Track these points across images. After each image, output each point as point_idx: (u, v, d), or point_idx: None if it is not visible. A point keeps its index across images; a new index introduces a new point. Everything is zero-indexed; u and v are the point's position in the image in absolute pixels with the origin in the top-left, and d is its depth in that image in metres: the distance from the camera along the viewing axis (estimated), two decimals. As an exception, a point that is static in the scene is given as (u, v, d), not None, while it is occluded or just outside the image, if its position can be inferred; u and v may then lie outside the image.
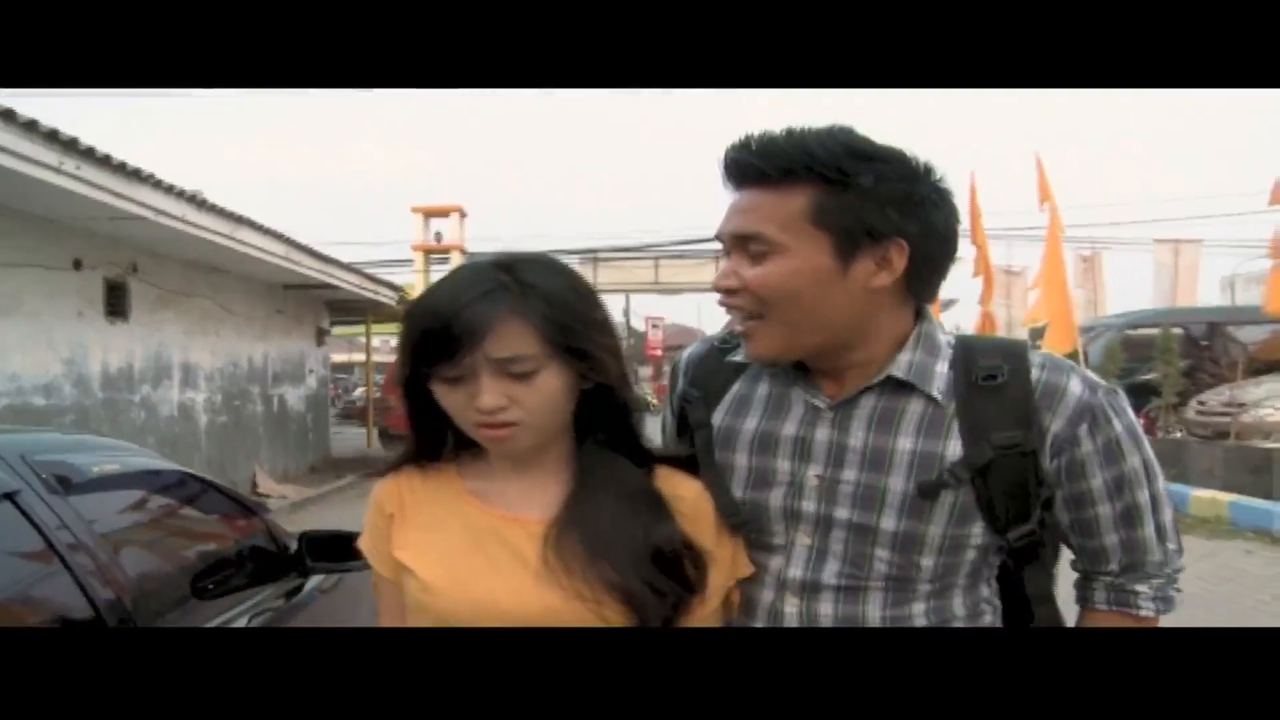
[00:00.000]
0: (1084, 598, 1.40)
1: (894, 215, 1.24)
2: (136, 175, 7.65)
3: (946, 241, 1.30)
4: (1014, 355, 1.31)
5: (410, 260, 24.69)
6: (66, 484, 2.06)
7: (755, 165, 1.26)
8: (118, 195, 7.53)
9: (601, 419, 1.32)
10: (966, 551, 1.31)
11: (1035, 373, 1.29)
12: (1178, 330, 13.95)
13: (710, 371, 1.47)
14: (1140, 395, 13.14)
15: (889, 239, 1.25)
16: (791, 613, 1.32)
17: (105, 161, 7.14)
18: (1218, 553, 7.61)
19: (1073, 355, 12.16)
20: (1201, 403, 12.12)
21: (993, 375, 1.29)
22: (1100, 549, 1.34)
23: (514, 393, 1.20)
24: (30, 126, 6.17)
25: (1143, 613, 1.35)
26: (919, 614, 1.31)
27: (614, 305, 37.85)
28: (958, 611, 1.33)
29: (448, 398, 1.24)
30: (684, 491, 1.33)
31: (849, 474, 1.30)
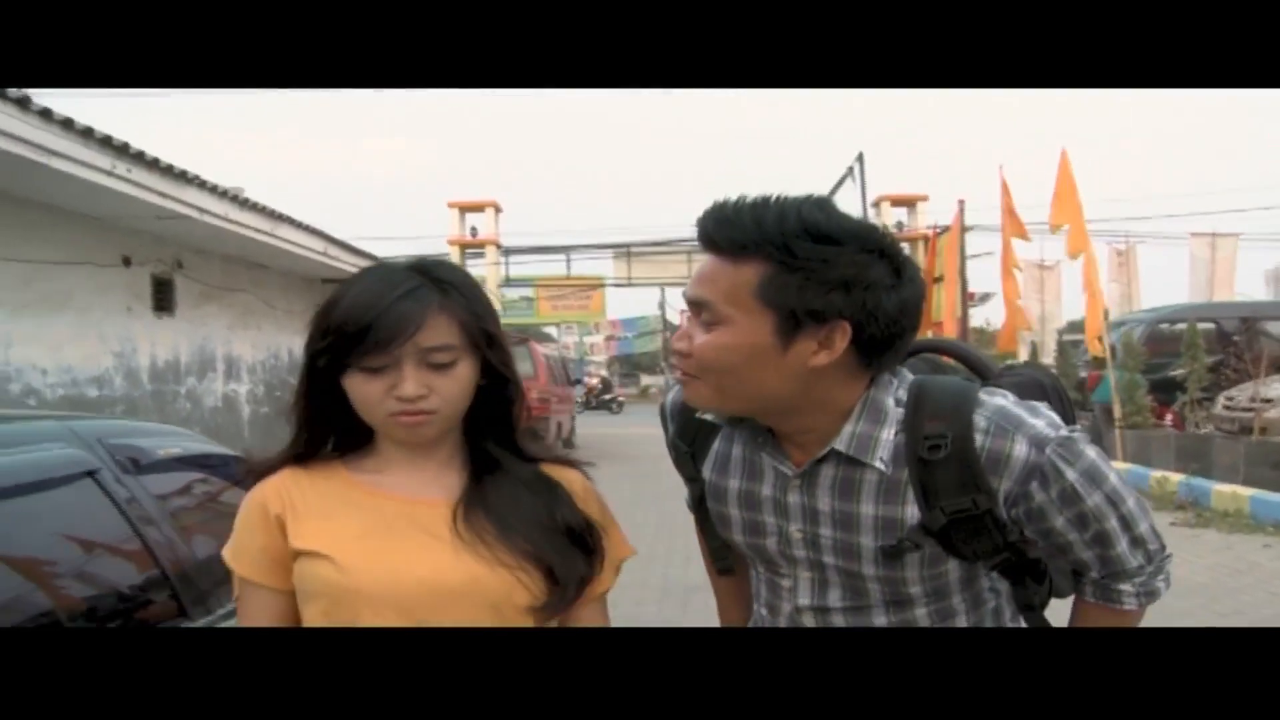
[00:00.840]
0: (1078, 589, 1.47)
1: (838, 299, 1.25)
2: (183, 177, 7.99)
3: (897, 322, 1.29)
4: (958, 420, 1.31)
5: (446, 254, 25.04)
6: (137, 464, 2.32)
7: (711, 237, 1.29)
8: (165, 196, 7.86)
9: (490, 416, 1.41)
10: (950, 575, 1.40)
11: (979, 439, 1.30)
12: (1209, 325, 13.94)
13: (691, 424, 1.53)
14: (1168, 390, 13.20)
15: (832, 320, 1.26)
16: (809, 624, 1.46)
17: (154, 164, 7.47)
18: (1234, 546, 7.70)
19: (1099, 358, 12.32)
20: (1230, 398, 12.15)
21: (936, 446, 1.31)
22: (1080, 562, 1.40)
23: (432, 382, 1.30)
24: (87, 133, 6.49)
25: (1125, 606, 1.41)
26: (921, 616, 1.42)
27: (649, 299, 37.83)
28: (958, 606, 1.43)
29: (364, 388, 1.30)
30: (570, 477, 1.45)
31: (825, 531, 1.39)
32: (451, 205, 25.12)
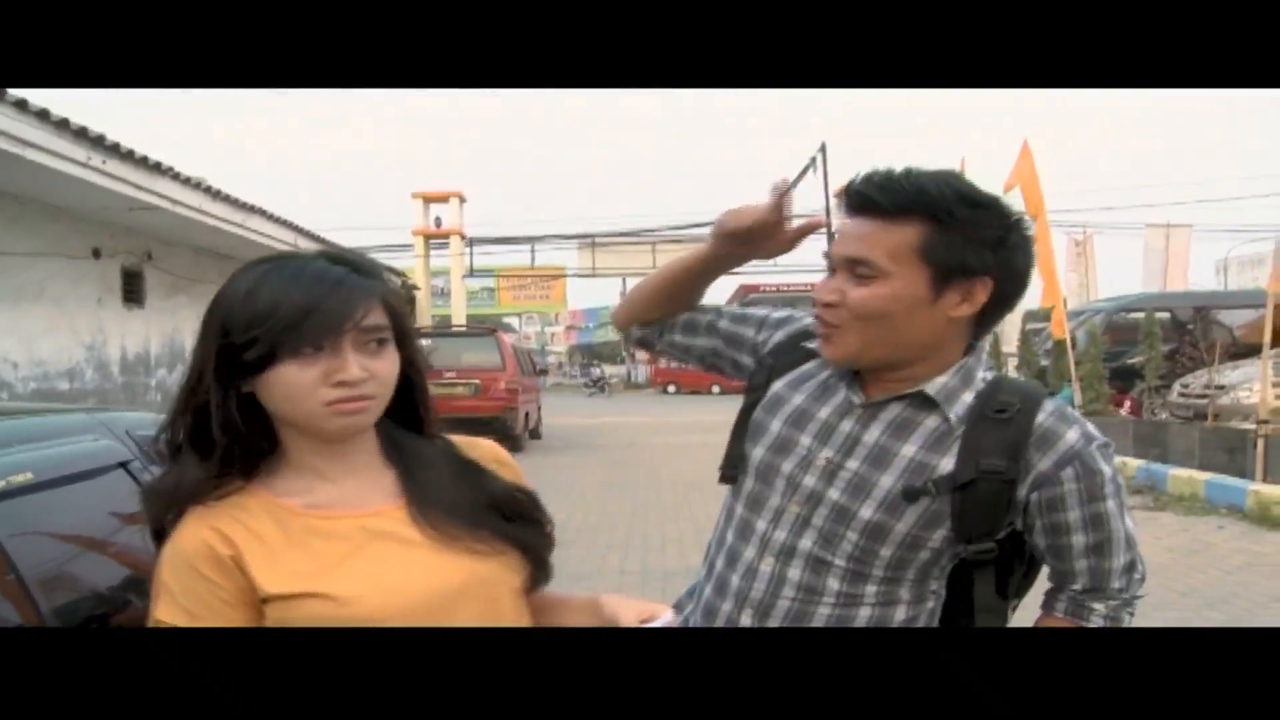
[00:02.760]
0: (1047, 604, 1.55)
1: (988, 256, 1.40)
2: (158, 168, 7.99)
3: (1022, 283, 1.47)
4: (1030, 398, 1.46)
5: (410, 245, 24.97)
6: (161, 455, 2.41)
7: (875, 199, 1.41)
8: (138, 187, 7.85)
9: (398, 404, 1.34)
10: (922, 552, 1.47)
11: (1041, 416, 1.44)
12: (1164, 314, 14.29)
13: (789, 347, 1.66)
14: (1126, 379, 13.53)
15: (978, 276, 1.41)
16: (765, 571, 1.52)
17: (129, 156, 7.46)
18: (1190, 528, 7.96)
19: (1061, 342, 12.52)
20: (1185, 385, 12.49)
21: (1003, 410, 1.44)
22: (1069, 571, 1.49)
23: (370, 365, 1.23)
24: (62, 125, 6.48)
25: (1091, 624, 1.49)
26: (869, 594, 1.49)
27: (611, 289, 38.19)
28: (904, 596, 1.50)
29: (297, 377, 1.20)
30: (481, 447, 1.44)
31: (852, 463, 1.48)
32: (416, 196, 25.07)
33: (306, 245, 12.46)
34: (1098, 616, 1.49)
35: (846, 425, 1.51)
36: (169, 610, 1.21)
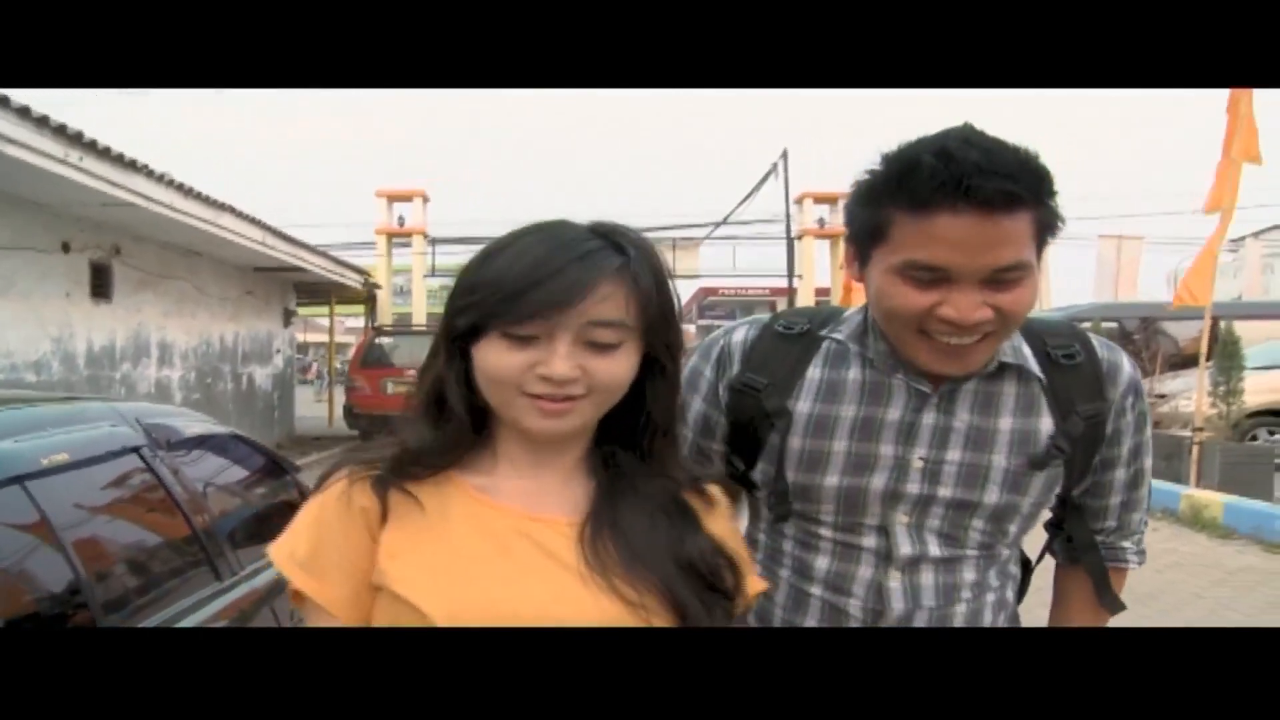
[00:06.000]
0: (1070, 558, 1.54)
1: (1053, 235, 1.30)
2: (132, 165, 8.10)
3: None
4: (1079, 337, 1.44)
5: (373, 243, 25.00)
6: (168, 443, 2.62)
7: (1013, 191, 1.19)
8: (113, 184, 7.97)
9: (628, 418, 1.18)
10: (1037, 518, 1.45)
11: (1100, 350, 1.42)
12: (1112, 324, 14.74)
13: (771, 358, 1.45)
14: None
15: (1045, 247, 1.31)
16: (895, 587, 1.38)
17: (105, 153, 7.59)
18: (1127, 529, 8.34)
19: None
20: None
21: (1070, 355, 1.41)
22: (1104, 508, 1.49)
23: (589, 364, 1.08)
24: (42, 121, 6.62)
25: (1131, 564, 1.53)
26: (993, 577, 1.44)
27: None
28: (1011, 570, 1.48)
29: (502, 358, 1.08)
30: (713, 499, 1.23)
31: (953, 454, 1.37)
32: (380, 194, 25.09)
33: (275, 243, 12.57)
34: (1132, 554, 1.53)
35: (928, 418, 1.38)
36: (288, 540, 1.14)
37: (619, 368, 1.11)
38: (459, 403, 1.13)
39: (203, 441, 2.99)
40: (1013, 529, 1.43)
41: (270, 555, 1.14)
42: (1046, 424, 1.38)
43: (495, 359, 1.08)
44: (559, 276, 1.06)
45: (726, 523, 1.24)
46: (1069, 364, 1.40)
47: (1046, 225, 1.26)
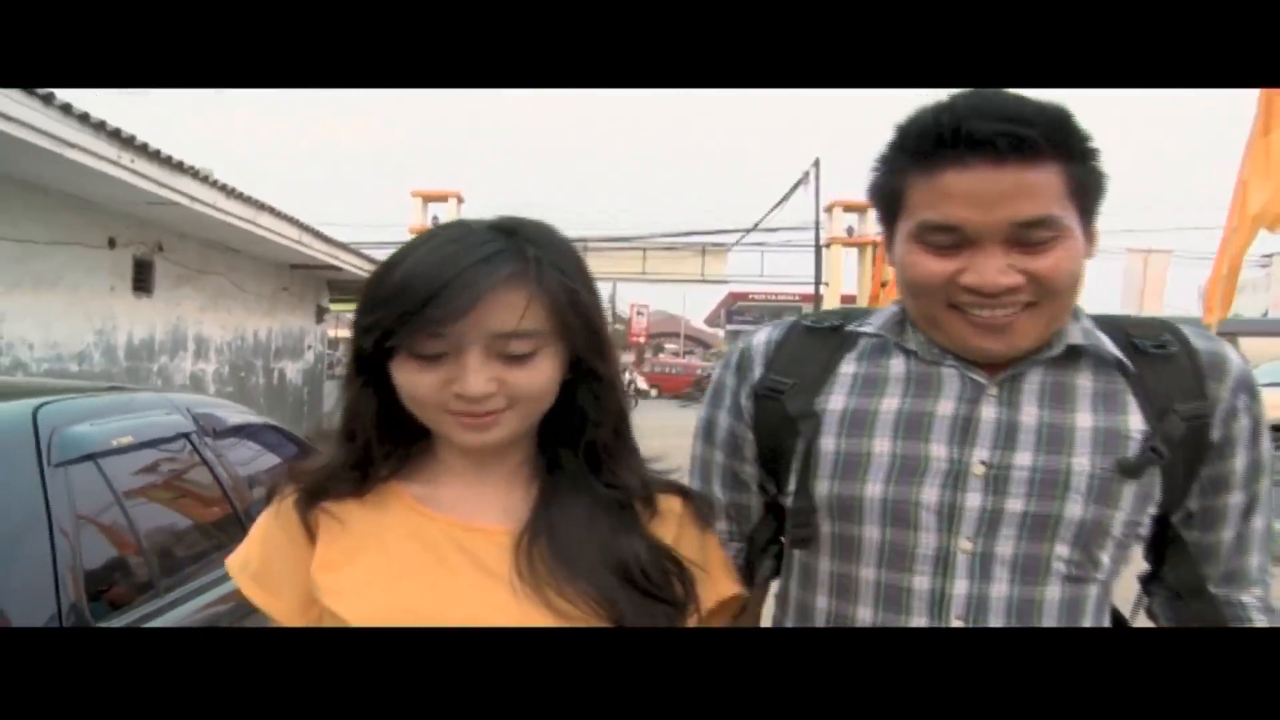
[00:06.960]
0: (1175, 615, 1.24)
1: (1104, 188, 1.14)
2: (179, 167, 8.50)
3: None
4: (1168, 326, 1.21)
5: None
6: (214, 430, 2.92)
7: (1021, 135, 1.05)
8: (160, 184, 8.35)
9: (569, 420, 1.13)
10: (1130, 547, 1.17)
11: (1195, 340, 1.18)
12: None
13: (799, 357, 1.27)
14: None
15: (1094, 216, 1.14)
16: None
17: (155, 155, 7.98)
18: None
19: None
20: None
21: (1162, 345, 1.17)
22: (1214, 546, 1.20)
23: (505, 376, 1.03)
24: (99, 126, 7.01)
25: (1256, 623, 1.20)
26: (1091, 598, 1.15)
27: (602, 292, 38.54)
28: (1104, 622, 1.19)
29: (415, 378, 1.04)
30: (667, 504, 1.17)
31: (1023, 457, 1.13)
32: (415, 194, 25.40)
33: (310, 241, 12.95)
34: (1257, 612, 1.21)
35: (988, 412, 1.16)
36: (240, 554, 1.16)
37: (537, 377, 1.06)
38: (366, 429, 1.12)
39: (243, 430, 3.29)
40: (1104, 557, 1.14)
41: (226, 566, 1.16)
42: (1136, 422, 1.14)
43: (408, 381, 1.05)
44: (451, 290, 0.99)
45: (684, 530, 1.16)
46: (1160, 353, 1.17)
47: (1085, 186, 1.10)
